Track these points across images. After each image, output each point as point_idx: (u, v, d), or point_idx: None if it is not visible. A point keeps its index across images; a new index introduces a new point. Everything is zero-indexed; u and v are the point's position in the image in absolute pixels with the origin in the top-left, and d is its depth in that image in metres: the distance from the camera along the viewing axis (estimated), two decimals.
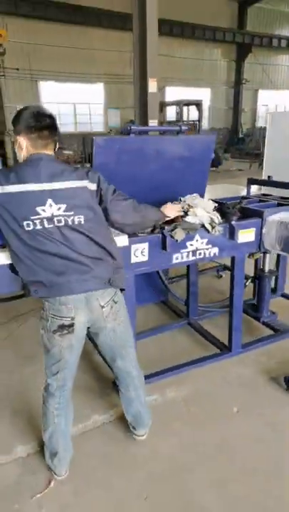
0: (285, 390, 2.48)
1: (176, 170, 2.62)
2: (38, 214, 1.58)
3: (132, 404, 2.06)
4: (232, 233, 2.44)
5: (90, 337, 1.92)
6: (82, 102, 17.31)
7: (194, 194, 2.48)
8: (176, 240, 2.23)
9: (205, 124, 21.14)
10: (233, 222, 2.42)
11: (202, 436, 2.16)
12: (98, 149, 2.33)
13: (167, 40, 18.25)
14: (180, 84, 19.76)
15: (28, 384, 2.58)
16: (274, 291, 3.58)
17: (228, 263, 3.19)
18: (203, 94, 20.81)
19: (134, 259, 2.19)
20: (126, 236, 2.10)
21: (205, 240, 2.37)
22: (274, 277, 3.56)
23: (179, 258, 2.33)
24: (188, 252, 2.35)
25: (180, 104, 13.63)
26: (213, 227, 2.32)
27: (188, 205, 2.34)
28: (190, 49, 19.37)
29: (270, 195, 3.04)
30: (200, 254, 2.40)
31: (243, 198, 3.03)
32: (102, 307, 1.75)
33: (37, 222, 1.58)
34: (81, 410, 2.26)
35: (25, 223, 1.58)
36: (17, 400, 2.47)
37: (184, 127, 2.59)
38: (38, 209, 1.58)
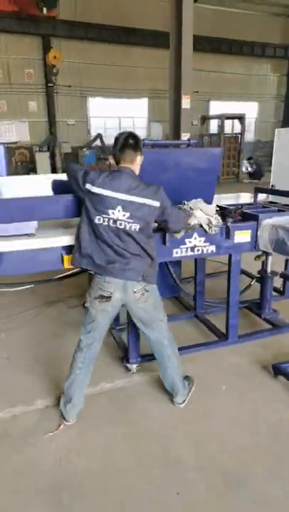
0: (273, 377, 2.76)
1: (186, 179, 2.98)
2: (108, 214, 2.10)
3: (167, 372, 2.47)
4: (228, 233, 2.79)
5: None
6: (127, 116, 18.15)
7: (198, 199, 2.87)
8: (176, 237, 2.62)
9: (250, 137, 21.35)
10: (228, 224, 2.78)
11: (191, 406, 2.50)
12: None
13: (215, 56, 18.84)
14: (227, 99, 20.17)
15: (54, 353, 3.08)
16: (282, 292, 3.83)
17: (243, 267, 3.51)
18: (251, 108, 21.07)
19: None
20: None
21: (203, 238, 2.75)
22: (283, 280, 3.83)
23: (178, 253, 2.72)
24: (187, 248, 2.73)
25: (222, 117, 13.97)
26: (210, 228, 2.69)
27: (190, 208, 2.74)
28: (238, 64, 19.73)
29: (276, 202, 3.35)
30: (198, 250, 2.77)
31: (250, 204, 3.36)
32: (134, 293, 2.23)
33: (105, 219, 2.11)
34: (91, 377, 2.69)
35: (97, 217, 2.12)
36: (42, 365, 2.95)
37: (192, 141, 3.00)
38: (109, 211, 2.10)
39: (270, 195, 3.50)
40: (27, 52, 15.35)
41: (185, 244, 2.71)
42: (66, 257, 2.39)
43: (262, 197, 3.58)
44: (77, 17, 15.38)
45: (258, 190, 3.45)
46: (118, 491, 1.90)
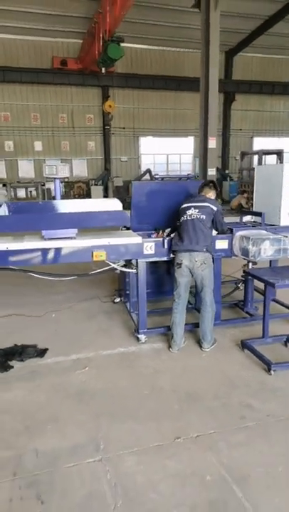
0: (241, 350, 3.70)
1: (179, 203, 4.12)
2: (186, 213, 3.67)
3: (202, 324, 3.68)
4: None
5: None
6: (174, 153, 19.80)
7: None
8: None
9: None
10: None
11: (177, 363, 3.53)
12: (135, 189, 4.07)
13: (257, 97, 20.23)
14: (271, 135, 21.25)
15: (86, 329, 4.25)
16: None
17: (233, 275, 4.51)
18: None
19: (145, 252, 3.78)
20: (140, 237, 3.73)
21: None
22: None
23: None
24: None
25: (259, 153, 14.96)
26: None
27: None
28: (281, 103, 20.89)
29: (257, 222, 4.37)
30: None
31: (237, 223, 4.42)
32: (196, 261, 3.54)
33: (186, 216, 3.68)
34: (112, 343, 3.84)
35: (182, 217, 3.70)
36: (78, 336, 4.12)
37: (190, 175, 4.17)
38: (187, 211, 3.68)
39: (254, 217, 4.51)
40: (88, 101, 17.75)
41: None
42: (95, 253, 3.62)
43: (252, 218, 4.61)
44: (133, 69, 17.64)
45: (243, 213, 4.50)
46: (120, 397, 2.97)
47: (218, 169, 19.75)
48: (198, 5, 8.65)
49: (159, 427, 2.63)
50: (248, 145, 20.86)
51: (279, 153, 15.28)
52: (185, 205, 3.76)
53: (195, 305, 4.46)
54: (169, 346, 3.75)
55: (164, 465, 2.30)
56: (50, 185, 16.11)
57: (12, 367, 3.40)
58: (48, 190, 15.97)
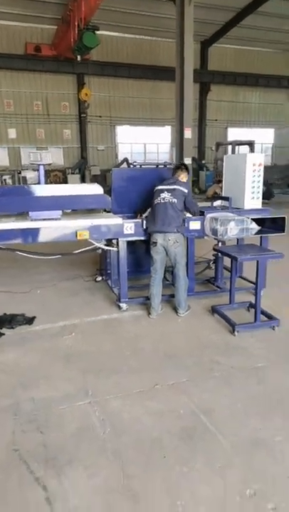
0: (211, 314, 4.18)
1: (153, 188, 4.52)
2: (160, 196, 4.04)
3: (177, 293, 4.17)
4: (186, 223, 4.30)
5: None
6: (152, 142, 20.10)
7: None
8: None
9: (267, 162, 22.81)
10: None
11: (155, 328, 3.96)
12: (115, 175, 4.43)
13: (232, 88, 20.72)
14: (244, 126, 21.87)
15: (70, 303, 4.61)
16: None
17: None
18: (268, 134, 22.63)
19: (125, 232, 4.16)
20: (120, 219, 4.11)
21: None
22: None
23: None
24: None
25: (233, 143, 15.50)
26: None
27: None
28: (254, 95, 21.49)
29: (226, 206, 4.81)
30: None
31: (209, 207, 4.85)
32: (170, 240, 3.97)
33: (159, 199, 4.04)
34: (95, 312, 4.23)
35: (156, 200, 4.04)
36: (62, 308, 4.48)
37: (167, 162, 4.56)
38: (161, 194, 4.04)
39: (223, 201, 4.96)
40: (63, 88, 17.71)
41: None
42: (79, 232, 3.97)
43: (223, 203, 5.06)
44: (109, 57, 17.69)
45: (214, 198, 4.95)
46: (105, 357, 3.36)
47: (194, 159, 20.21)
48: None
49: (140, 378, 3.05)
50: (223, 135, 21.39)
51: (250, 144, 15.88)
52: (159, 188, 4.16)
53: (172, 281, 4.89)
54: (149, 313, 4.20)
55: (145, 405, 2.73)
56: (27, 174, 16.11)
57: (3, 334, 3.74)
58: (24, 178, 15.93)
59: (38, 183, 4.39)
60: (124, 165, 17.67)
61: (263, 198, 13.97)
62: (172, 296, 4.36)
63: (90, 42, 12.00)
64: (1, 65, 16.14)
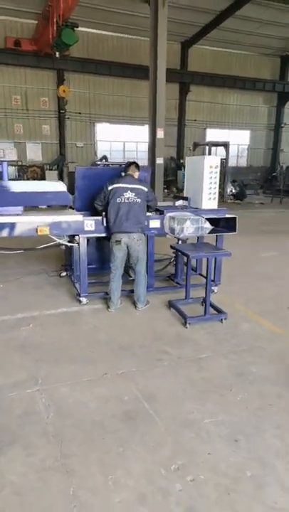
0: (168, 308, 4.36)
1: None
2: (123, 196, 4.02)
3: (136, 288, 4.34)
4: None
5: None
6: (131, 141, 20.23)
7: None
8: None
9: (243, 162, 23.36)
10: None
11: (112, 321, 4.11)
12: (78, 174, 4.56)
13: (212, 90, 21.05)
14: (222, 127, 22.25)
15: (34, 297, 4.72)
16: (195, 270, 5.44)
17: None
18: (244, 135, 23.09)
19: (86, 228, 4.30)
20: (81, 215, 4.24)
21: None
22: (196, 261, 5.43)
23: None
24: None
25: (208, 144, 15.80)
26: None
27: None
28: (232, 97, 21.89)
29: (186, 205, 5.01)
30: None
31: (170, 206, 5.04)
32: (134, 239, 4.11)
33: (123, 198, 4.04)
34: (56, 305, 4.35)
35: (118, 199, 4.04)
36: (26, 302, 4.59)
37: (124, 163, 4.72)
38: (124, 194, 4.04)
39: (184, 201, 5.15)
40: (43, 83, 17.63)
41: None
42: (39, 228, 4.08)
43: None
44: (89, 54, 17.69)
45: (176, 198, 5.15)
46: (61, 348, 3.49)
47: (172, 158, 20.51)
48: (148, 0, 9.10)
49: (92, 368, 3.20)
50: (201, 136, 21.70)
51: (225, 145, 16.22)
52: (119, 186, 4.16)
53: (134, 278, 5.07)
54: (108, 307, 4.35)
55: (93, 392, 2.89)
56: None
57: None
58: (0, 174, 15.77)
59: (1, 179, 4.48)
60: (104, 162, 17.95)
61: (236, 199, 14.35)
62: (132, 291, 4.52)
63: (69, 39, 12.01)
64: None
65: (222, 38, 18.74)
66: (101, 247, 5.39)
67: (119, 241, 4.17)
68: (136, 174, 4.36)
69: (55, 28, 12.05)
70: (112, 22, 16.72)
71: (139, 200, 4.16)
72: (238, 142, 23.00)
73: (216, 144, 15.98)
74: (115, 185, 4.18)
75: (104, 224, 4.33)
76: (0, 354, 3.40)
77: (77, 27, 12.22)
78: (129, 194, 4.15)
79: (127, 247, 4.22)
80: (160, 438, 2.41)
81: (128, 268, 4.62)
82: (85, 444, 2.35)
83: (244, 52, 20.98)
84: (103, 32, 17.73)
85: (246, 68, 21.34)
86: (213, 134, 21.73)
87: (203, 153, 18.76)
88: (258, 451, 2.31)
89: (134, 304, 4.43)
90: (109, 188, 4.17)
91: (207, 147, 16.18)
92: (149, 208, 4.45)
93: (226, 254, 3.94)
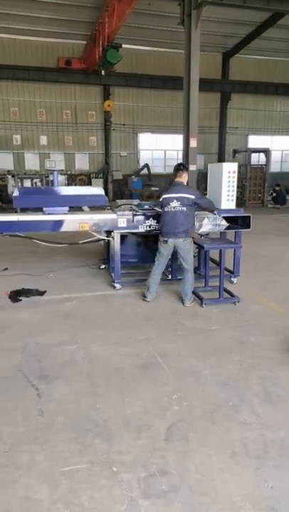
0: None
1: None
2: (170, 205, 4.57)
3: (183, 287, 4.72)
4: None
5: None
6: (172, 149, 21.05)
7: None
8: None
9: (287, 168, 23.36)
10: None
11: (139, 301, 4.86)
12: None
13: (252, 97, 21.40)
14: (265, 133, 22.44)
15: (78, 285, 5.60)
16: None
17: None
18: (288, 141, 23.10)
19: (119, 225, 5.11)
20: (115, 214, 5.06)
21: (155, 221, 5.18)
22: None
23: (141, 228, 5.17)
24: (146, 225, 5.18)
25: (248, 151, 16.19)
26: None
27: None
28: (275, 103, 22.07)
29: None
30: (153, 227, 5.19)
31: None
32: (180, 241, 4.54)
33: (169, 207, 4.58)
34: (94, 289, 5.19)
35: (166, 208, 4.60)
36: (69, 287, 5.47)
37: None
38: (171, 203, 4.57)
39: None
40: (90, 98, 19.01)
41: (145, 223, 5.17)
42: (81, 224, 4.95)
43: None
44: (133, 69, 18.84)
45: None
46: (95, 318, 4.30)
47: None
48: (183, 23, 9.90)
49: (119, 333, 3.98)
50: (243, 142, 22.05)
51: (266, 152, 16.51)
52: (167, 196, 4.59)
53: (170, 278, 5.76)
54: (144, 296, 4.86)
55: (117, 350, 3.65)
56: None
57: (21, 299, 4.78)
58: (52, 181, 17.22)
59: (53, 185, 5.44)
60: (145, 170, 18.90)
61: (276, 203, 14.71)
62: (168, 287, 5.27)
63: (113, 58, 13.15)
64: (35, 78, 17.60)
65: (263, 46, 19.12)
66: (140, 244, 6.16)
67: (166, 241, 4.62)
68: (184, 177, 4.72)
69: (101, 49, 13.24)
70: (153, 38, 17.74)
71: (184, 209, 4.50)
72: (282, 148, 23.06)
73: (256, 151, 16.30)
74: (164, 196, 4.64)
75: (135, 222, 5.08)
76: (49, 321, 4.28)
77: (121, 47, 13.33)
78: (174, 203, 4.52)
79: (174, 246, 4.66)
80: (166, 380, 3.12)
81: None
82: (109, 380, 3.11)
83: (286, 59, 21.12)
84: (145, 48, 18.81)
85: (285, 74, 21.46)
86: (255, 141, 21.99)
87: (246, 160, 19.18)
88: (241, 391, 2.94)
89: (182, 300, 4.79)
90: (160, 198, 4.73)
91: (246, 153, 16.58)
92: (205, 210, 4.95)
93: (237, 247, 4.57)
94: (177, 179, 4.73)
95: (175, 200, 4.52)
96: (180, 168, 4.80)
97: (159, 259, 4.77)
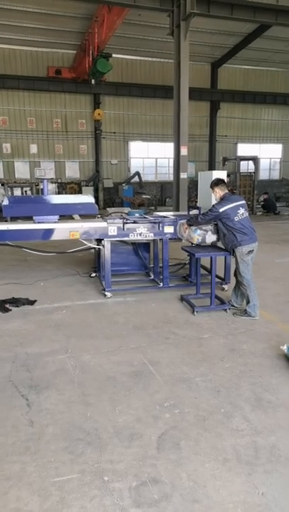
0: (180, 301, 5.05)
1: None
2: (238, 212, 4.47)
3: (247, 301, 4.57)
4: (161, 227, 5.22)
5: None
6: (163, 157, 21.21)
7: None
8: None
9: (275, 175, 23.70)
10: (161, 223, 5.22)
11: (130, 309, 4.87)
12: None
13: (241, 106, 21.77)
14: (253, 142, 22.79)
15: (68, 293, 5.59)
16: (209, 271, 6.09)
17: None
18: (276, 149, 23.48)
19: (110, 233, 5.13)
20: (105, 222, 5.08)
21: (146, 229, 5.21)
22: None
23: (132, 236, 5.20)
24: (137, 233, 5.20)
25: (237, 159, 16.39)
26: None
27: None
28: (263, 112, 22.47)
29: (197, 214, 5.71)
30: (143, 235, 5.23)
31: (185, 215, 5.77)
32: (256, 246, 4.51)
33: (239, 215, 4.47)
34: (85, 298, 5.18)
35: (236, 217, 4.45)
36: (61, 295, 5.45)
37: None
38: (238, 211, 4.49)
39: (196, 210, 5.87)
40: (80, 107, 19.11)
41: (136, 231, 5.20)
42: (71, 233, 4.96)
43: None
44: (123, 79, 19.03)
45: (189, 207, 5.88)
46: (86, 327, 4.28)
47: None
48: (173, 33, 10.07)
49: (110, 342, 3.97)
50: (232, 150, 22.36)
51: (254, 159, 16.74)
52: (233, 205, 4.48)
53: (162, 286, 5.80)
54: (253, 316, 4.52)
55: (109, 358, 3.64)
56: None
57: (11, 309, 4.74)
58: (42, 190, 17.18)
59: (43, 194, 5.45)
60: (136, 178, 19.00)
61: (266, 211, 14.85)
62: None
63: (103, 67, 13.30)
64: (25, 87, 17.67)
65: (251, 56, 19.51)
66: (127, 253, 6.18)
67: (252, 250, 4.49)
68: (227, 189, 4.75)
69: (90, 59, 13.38)
70: (143, 48, 18.00)
71: (247, 214, 4.60)
72: (270, 156, 23.43)
73: (245, 158, 16.52)
74: (228, 207, 4.48)
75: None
76: (40, 331, 4.25)
77: (111, 57, 13.48)
78: (242, 210, 4.53)
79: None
80: (158, 387, 3.12)
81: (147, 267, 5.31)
82: (100, 389, 3.10)
83: (273, 69, 21.60)
84: (136, 57, 19.04)
85: (277, 84, 21.97)
86: (244, 149, 22.31)
87: (234, 168, 19.40)
88: (233, 398, 2.95)
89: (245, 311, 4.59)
90: (221, 210, 4.47)
91: (236, 161, 16.78)
92: None
93: (227, 254, 4.61)
94: (225, 191, 4.71)
95: (241, 208, 4.52)
96: (219, 182, 4.74)
97: (250, 271, 4.53)
